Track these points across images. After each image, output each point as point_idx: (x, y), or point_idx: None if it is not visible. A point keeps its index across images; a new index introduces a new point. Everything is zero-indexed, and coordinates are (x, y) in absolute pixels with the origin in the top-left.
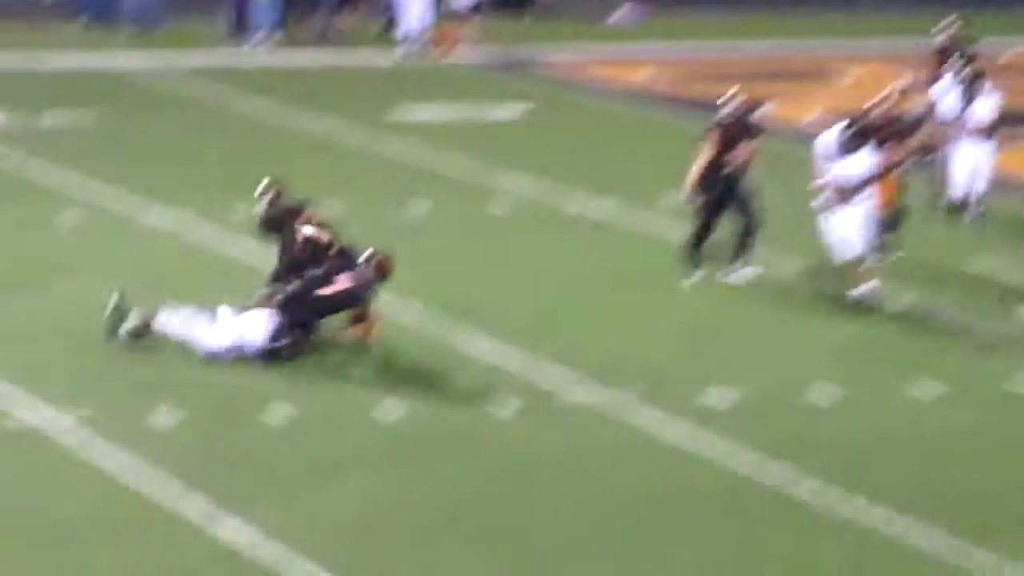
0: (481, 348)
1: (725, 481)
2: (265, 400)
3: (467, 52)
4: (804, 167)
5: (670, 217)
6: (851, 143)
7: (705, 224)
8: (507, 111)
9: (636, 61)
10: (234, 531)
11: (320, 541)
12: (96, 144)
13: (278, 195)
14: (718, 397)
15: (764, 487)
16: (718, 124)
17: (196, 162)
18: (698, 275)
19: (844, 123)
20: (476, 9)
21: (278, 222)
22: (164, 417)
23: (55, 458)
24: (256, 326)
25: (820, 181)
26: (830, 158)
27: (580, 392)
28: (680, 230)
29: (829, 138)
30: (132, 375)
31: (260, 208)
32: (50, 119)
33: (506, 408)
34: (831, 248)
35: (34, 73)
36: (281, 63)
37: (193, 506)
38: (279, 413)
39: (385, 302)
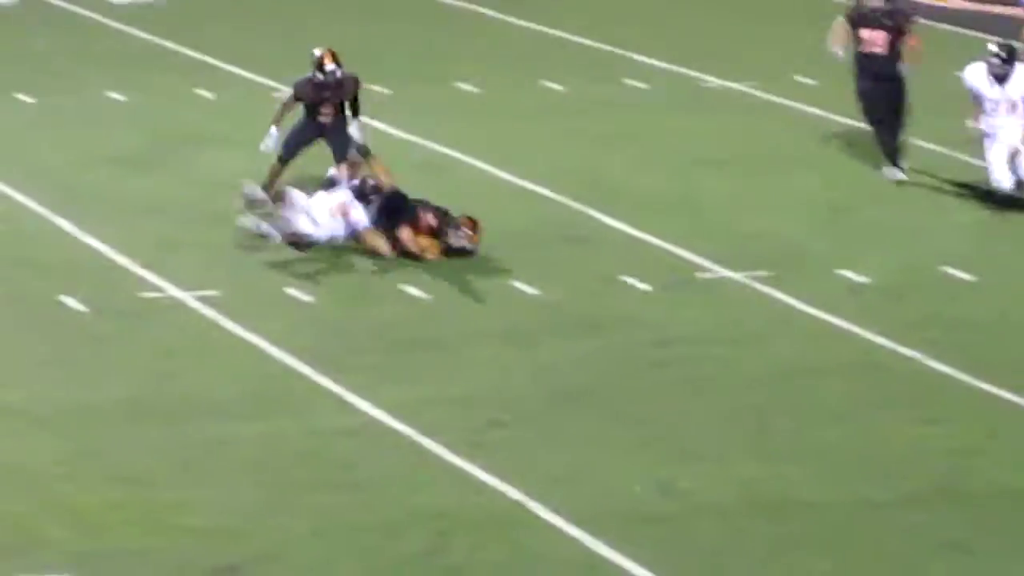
0: (616, 227)
1: (859, 359)
2: (392, 282)
3: None
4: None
5: (807, 97)
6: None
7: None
8: None
9: None
10: (364, 408)
11: (445, 419)
12: (236, 17)
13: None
14: (853, 276)
15: (897, 365)
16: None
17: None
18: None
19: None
20: None
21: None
22: (294, 296)
23: (190, 332)
24: (358, 211)
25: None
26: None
27: (716, 271)
28: (814, 110)
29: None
30: (262, 254)
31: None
32: None
33: (640, 287)
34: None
35: None
36: None
37: (324, 384)
38: (407, 293)
39: (517, 177)
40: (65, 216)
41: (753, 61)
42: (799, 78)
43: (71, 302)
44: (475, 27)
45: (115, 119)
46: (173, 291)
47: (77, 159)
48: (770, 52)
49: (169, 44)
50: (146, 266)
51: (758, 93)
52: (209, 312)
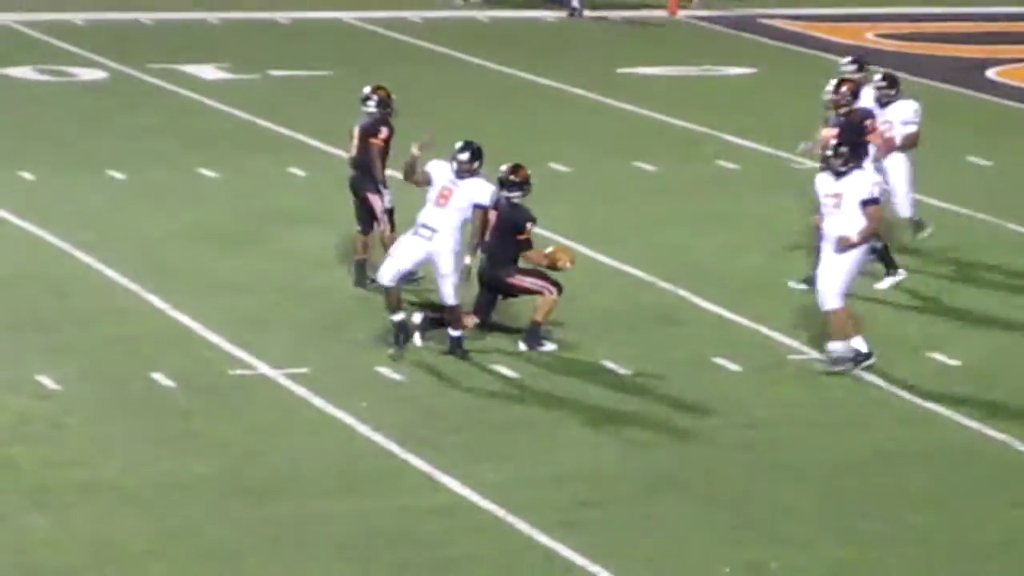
0: (708, 308)
1: (950, 442)
2: (482, 361)
3: (697, 9)
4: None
5: None
6: None
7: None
8: (736, 69)
9: (866, 19)
10: (454, 487)
11: (537, 499)
12: (331, 96)
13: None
14: (944, 359)
15: (988, 449)
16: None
17: (428, 115)
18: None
19: None
20: None
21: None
22: (383, 374)
23: (279, 409)
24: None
25: None
26: None
27: (807, 354)
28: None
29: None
30: (352, 333)
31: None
32: (282, 71)
33: (732, 368)
34: None
35: (269, 23)
36: (509, 16)
37: (414, 462)
38: (497, 372)
39: (610, 258)
40: (156, 292)
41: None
42: None
43: (162, 378)
44: (570, 107)
45: (207, 196)
46: (263, 368)
47: (169, 235)
48: None
49: (262, 122)
50: (236, 343)
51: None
52: (299, 390)
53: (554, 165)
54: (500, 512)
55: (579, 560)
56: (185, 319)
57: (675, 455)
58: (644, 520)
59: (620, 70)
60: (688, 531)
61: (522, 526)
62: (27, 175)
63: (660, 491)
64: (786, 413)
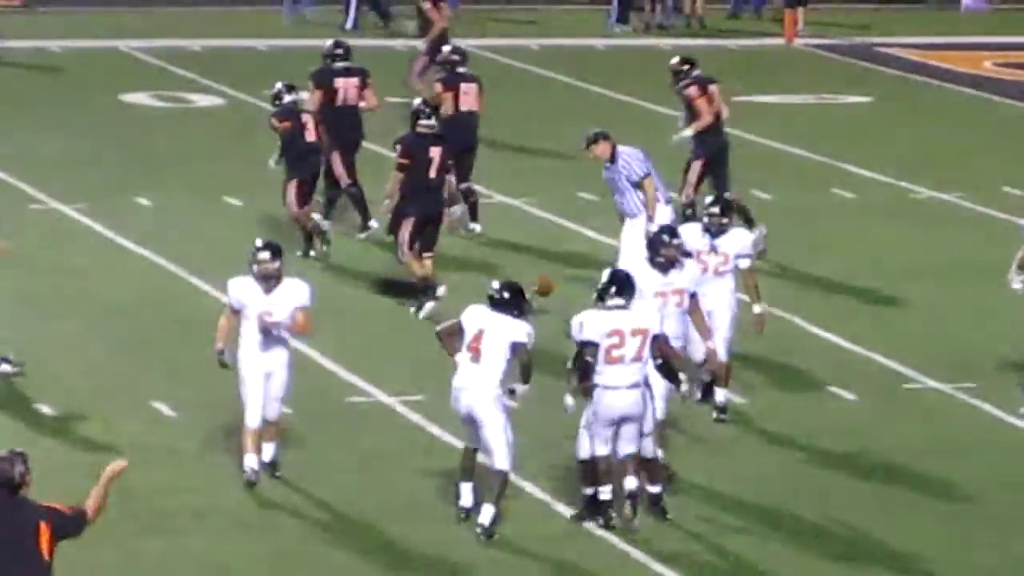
0: (824, 337)
1: None
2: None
3: (813, 38)
4: None
5: (1017, 209)
6: None
7: None
8: (852, 97)
9: (984, 48)
10: (568, 512)
11: (649, 526)
12: None
13: None
14: None
15: None
16: None
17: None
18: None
19: None
20: None
21: None
22: None
23: (395, 436)
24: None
25: None
26: None
27: (923, 382)
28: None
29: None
30: None
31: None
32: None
33: (847, 397)
34: None
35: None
36: (626, 44)
37: (528, 488)
38: None
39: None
40: None
41: (963, 172)
42: (1008, 189)
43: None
44: None
45: None
46: (380, 396)
47: (285, 263)
48: (980, 162)
49: (375, 147)
50: (353, 370)
51: (967, 204)
52: (415, 417)
53: (672, 195)
54: (613, 539)
55: None
56: (302, 346)
57: (789, 483)
58: (759, 549)
59: (736, 99)
60: (803, 558)
61: (636, 553)
62: (144, 201)
63: (774, 520)
64: (900, 442)
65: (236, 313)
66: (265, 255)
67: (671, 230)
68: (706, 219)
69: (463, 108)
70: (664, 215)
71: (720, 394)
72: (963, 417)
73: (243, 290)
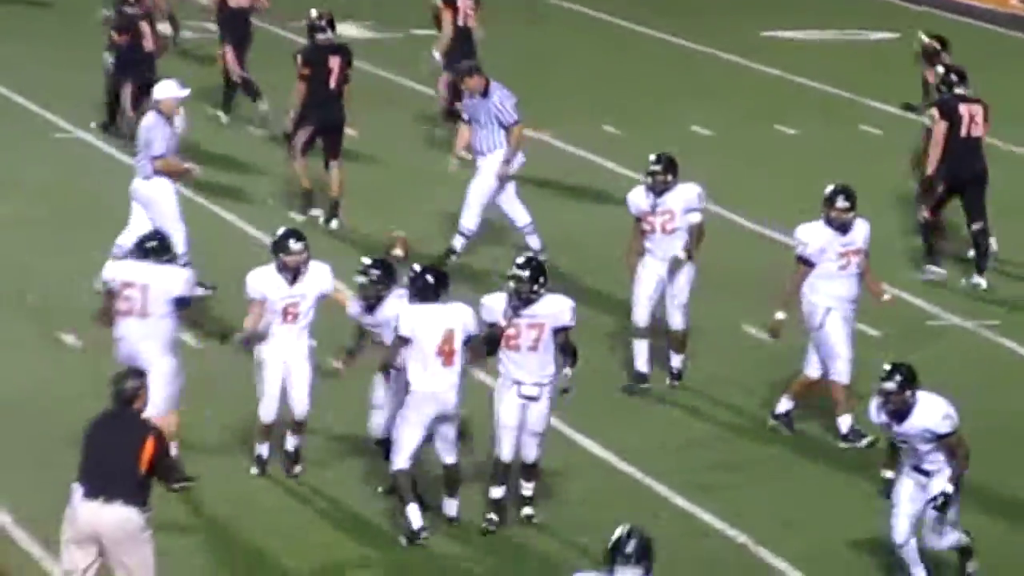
0: None
1: None
2: (610, 327)
3: None
4: None
5: None
6: None
7: None
8: (880, 33)
9: None
10: (593, 449)
11: (672, 463)
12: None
13: None
14: None
15: None
16: None
17: (572, 72)
18: None
19: None
20: None
21: None
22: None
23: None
24: None
25: None
26: None
27: (947, 319)
28: None
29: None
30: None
31: None
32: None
33: (872, 333)
34: None
35: None
36: None
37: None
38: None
39: (749, 221)
40: None
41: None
42: None
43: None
44: (713, 71)
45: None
46: None
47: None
48: (1006, 98)
49: (399, 79)
50: None
51: (998, 143)
52: None
53: (695, 128)
54: (637, 474)
55: (716, 523)
56: None
57: (815, 420)
58: (783, 484)
59: (764, 33)
60: (826, 494)
61: (660, 488)
62: None
63: (797, 455)
64: (924, 378)
65: (260, 304)
66: (298, 246)
67: (845, 191)
68: (649, 179)
69: (461, 25)
70: None
71: (676, 359)
72: (984, 353)
73: (265, 282)
